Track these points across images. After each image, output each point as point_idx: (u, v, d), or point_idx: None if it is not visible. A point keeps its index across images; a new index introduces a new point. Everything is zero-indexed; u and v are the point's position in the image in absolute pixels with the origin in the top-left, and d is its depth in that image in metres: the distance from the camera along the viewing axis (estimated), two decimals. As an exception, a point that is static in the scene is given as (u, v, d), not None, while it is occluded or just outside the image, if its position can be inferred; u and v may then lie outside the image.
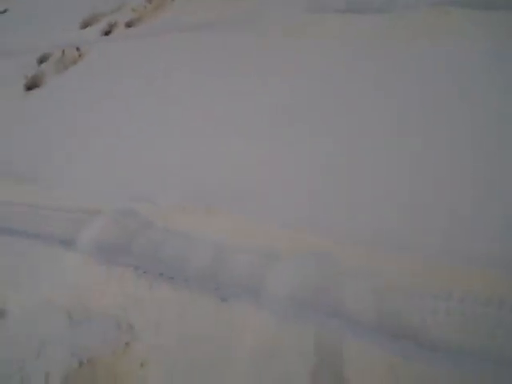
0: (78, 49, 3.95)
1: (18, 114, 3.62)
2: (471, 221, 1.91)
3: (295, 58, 3.12)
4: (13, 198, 2.83)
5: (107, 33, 4.06)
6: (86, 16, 4.40)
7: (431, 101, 2.49)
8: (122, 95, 3.33)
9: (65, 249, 2.31)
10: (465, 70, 2.60)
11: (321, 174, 2.29)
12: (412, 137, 2.34)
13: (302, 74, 2.96)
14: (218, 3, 3.89)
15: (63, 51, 4.01)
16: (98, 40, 4.05)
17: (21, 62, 4.16)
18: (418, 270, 1.81)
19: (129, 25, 3.99)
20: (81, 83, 3.65)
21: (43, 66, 4.03)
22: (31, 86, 3.87)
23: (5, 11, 5.63)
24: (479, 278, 1.72)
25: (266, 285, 1.92)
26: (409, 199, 2.06)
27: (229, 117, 2.83)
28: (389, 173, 2.20)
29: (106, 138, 3.02)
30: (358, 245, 1.95)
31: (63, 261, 2.24)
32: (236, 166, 2.48)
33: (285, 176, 2.34)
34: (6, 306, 2.18)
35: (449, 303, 1.69)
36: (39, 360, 1.87)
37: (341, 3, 3.41)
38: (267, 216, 2.17)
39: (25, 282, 2.23)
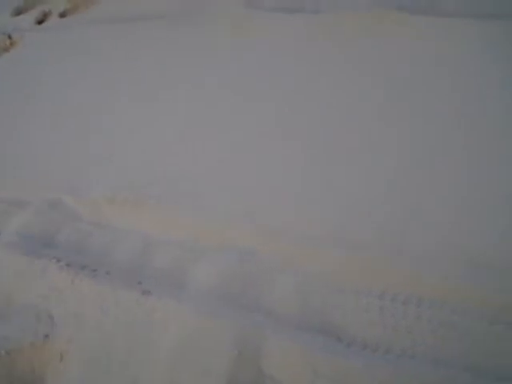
0: (9, 36, 3.86)
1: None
2: (405, 215, 1.98)
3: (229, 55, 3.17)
4: None
5: (40, 22, 3.98)
6: (18, 3, 4.28)
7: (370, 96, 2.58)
8: (53, 84, 3.29)
9: None
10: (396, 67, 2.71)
11: (256, 170, 2.33)
12: (349, 132, 2.40)
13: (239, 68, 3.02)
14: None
15: (-5, 38, 3.91)
16: (30, 28, 3.96)
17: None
18: (340, 266, 1.86)
19: (62, 15, 3.92)
20: (12, 71, 3.57)
21: (-28, 52, 3.91)
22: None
23: None
24: (401, 276, 1.78)
25: (188, 279, 1.95)
26: (338, 195, 2.12)
27: (166, 107, 2.84)
28: (322, 168, 2.25)
29: (36, 128, 2.98)
30: (283, 241, 1.99)
31: None
32: (170, 158, 2.49)
33: (220, 170, 2.36)
34: None
35: (368, 299, 1.74)
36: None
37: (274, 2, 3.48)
38: (198, 210, 2.18)
39: None
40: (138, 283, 1.94)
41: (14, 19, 4.15)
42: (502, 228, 1.86)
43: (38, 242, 2.24)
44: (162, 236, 2.15)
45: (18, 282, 2.06)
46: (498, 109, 2.34)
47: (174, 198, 2.26)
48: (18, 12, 4.20)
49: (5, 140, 2.96)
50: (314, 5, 3.40)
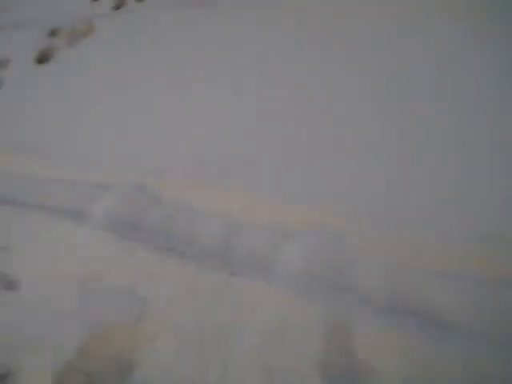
0: (89, 22, 3.90)
1: (30, 88, 3.61)
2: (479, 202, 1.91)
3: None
4: (26, 172, 2.86)
5: (118, 7, 4.00)
6: (98, -11, 4.32)
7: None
8: (133, 70, 3.31)
9: (77, 222, 2.34)
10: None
11: (335, 153, 2.28)
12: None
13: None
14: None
15: (74, 24, 3.97)
16: (109, 13, 3.99)
17: (31, 34, 4.12)
18: (430, 249, 1.82)
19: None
20: (92, 57, 3.62)
21: (54, 39, 3.99)
22: (42, 59, 3.84)
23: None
24: (490, 259, 1.74)
25: (277, 261, 1.93)
26: (421, 181, 2.06)
27: (240, 93, 2.80)
28: (402, 154, 2.19)
29: (118, 113, 3.01)
30: (371, 224, 1.96)
31: (75, 234, 2.28)
32: (249, 142, 2.47)
33: (299, 153, 2.33)
34: (18, 278, 2.21)
35: (460, 283, 1.70)
36: (52, 332, 1.90)
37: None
38: (280, 193, 2.16)
39: (37, 254, 2.27)
40: (225, 265, 1.95)
41: (92, 4, 4.20)
42: None
43: (125, 224, 2.27)
44: (248, 219, 2.14)
45: (109, 263, 2.10)
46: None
47: (257, 183, 2.25)
48: (97, -3, 4.25)
49: (90, 125, 3.01)
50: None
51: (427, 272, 1.76)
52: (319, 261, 1.89)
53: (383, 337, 1.58)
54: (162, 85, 3.08)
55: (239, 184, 2.26)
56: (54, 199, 2.60)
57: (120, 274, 2.05)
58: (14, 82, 3.78)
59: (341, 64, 2.70)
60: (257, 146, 2.44)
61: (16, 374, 1.81)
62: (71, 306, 1.99)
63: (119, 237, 2.18)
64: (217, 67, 3.02)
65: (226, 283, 1.86)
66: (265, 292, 1.79)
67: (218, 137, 2.57)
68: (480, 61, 2.39)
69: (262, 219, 2.11)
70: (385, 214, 1.97)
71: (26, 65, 3.82)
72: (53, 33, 4.03)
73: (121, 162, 2.64)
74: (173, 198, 2.35)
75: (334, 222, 2.00)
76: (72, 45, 3.82)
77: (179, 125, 2.75)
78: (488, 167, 2.02)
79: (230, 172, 2.33)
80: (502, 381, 1.46)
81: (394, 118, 2.33)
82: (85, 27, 3.88)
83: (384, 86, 2.46)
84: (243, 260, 1.99)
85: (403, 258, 1.82)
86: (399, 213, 1.96)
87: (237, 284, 1.85)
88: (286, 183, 2.21)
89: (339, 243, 1.93)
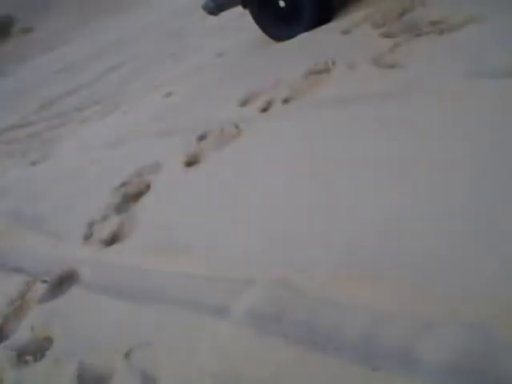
0: (236, 126, 4.04)
1: (178, 190, 3.74)
2: None
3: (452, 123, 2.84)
4: (170, 268, 2.93)
5: (264, 110, 4.12)
6: (244, 94, 4.53)
7: None
8: (278, 171, 3.28)
9: (219, 318, 2.33)
10: None
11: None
12: None
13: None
14: (375, 74, 3.77)
15: (222, 128, 4.12)
16: (255, 117, 4.11)
17: (182, 139, 4.37)
18: None
19: (286, 101, 4.01)
20: (239, 159, 3.69)
21: (202, 143, 4.16)
22: (191, 162, 4.00)
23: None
24: None
25: (419, 354, 1.76)
26: None
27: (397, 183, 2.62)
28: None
29: (262, 208, 3.00)
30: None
31: (216, 329, 2.27)
32: (398, 229, 2.31)
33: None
34: (159, 373, 2.21)
35: None
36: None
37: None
38: (420, 282, 2.02)
39: (178, 349, 2.28)
40: (367, 359, 1.83)
41: (239, 109, 4.38)
42: None
43: (266, 319, 2.22)
44: (390, 310, 1.99)
45: (248, 358, 2.06)
46: None
47: (398, 271, 2.11)
48: (245, 103, 4.43)
49: (235, 222, 3.02)
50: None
51: None
52: (463, 354, 1.69)
53: None
54: (308, 182, 3.02)
55: (382, 274, 2.14)
56: (196, 294, 2.61)
57: (259, 368, 2.00)
58: (162, 184, 3.95)
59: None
60: (410, 233, 2.26)
61: None
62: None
63: (260, 331, 2.15)
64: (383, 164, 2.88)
65: (367, 378, 1.75)
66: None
67: (360, 225, 2.45)
68: None
69: (403, 309, 1.96)
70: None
71: (176, 168, 3.99)
72: (201, 137, 4.22)
73: (263, 256, 2.61)
74: (315, 292, 2.25)
75: (477, 314, 1.79)
76: (220, 148, 3.94)
77: (321, 217, 2.65)
78: None
79: (375, 262, 2.21)
80: None
81: None
82: (232, 131, 4.02)
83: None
84: (385, 353, 1.83)
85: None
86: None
87: (379, 379, 1.73)
88: (425, 272, 2.05)
89: (483, 336, 1.71)
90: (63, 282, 3.34)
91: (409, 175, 2.62)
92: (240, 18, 7.43)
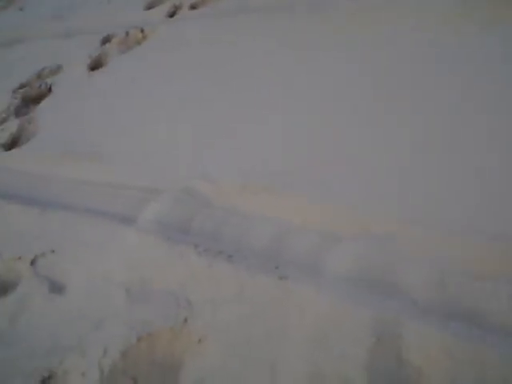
0: (141, 30, 3.94)
1: (82, 93, 3.63)
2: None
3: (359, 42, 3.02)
4: (76, 175, 2.85)
5: (171, 14, 4.03)
6: (150, -2, 4.38)
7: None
8: (184, 74, 3.30)
9: (126, 226, 2.32)
10: None
11: (384, 156, 2.24)
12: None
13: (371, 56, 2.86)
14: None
15: (127, 32, 4.01)
16: (161, 21, 4.02)
17: (84, 42, 4.19)
18: (481, 253, 1.75)
19: (193, 7, 3.95)
20: (144, 63, 3.63)
21: (106, 46, 4.04)
22: (95, 66, 3.89)
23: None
24: None
25: (326, 265, 1.90)
26: (472, 182, 1.99)
27: (300, 96, 2.76)
28: (452, 159, 2.13)
29: (168, 116, 3.00)
30: (420, 228, 1.90)
31: (124, 238, 2.25)
32: (299, 146, 2.43)
33: (350, 157, 2.28)
34: (65, 281, 2.19)
35: (508, 286, 1.63)
36: (98, 335, 1.87)
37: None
38: (330, 197, 2.12)
39: (85, 257, 2.25)
40: (274, 268, 1.92)
41: (146, 13, 4.25)
42: None
43: (174, 228, 2.24)
44: (297, 223, 2.10)
45: (156, 267, 2.07)
46: None
47: (307, 186, 2.21)
48: (150, 6, 4.30)
49: (141, 129, 3.00)
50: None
51: (478, 275, 1.70)
52: (369, 265, 1.85)
53: (432, 340, 1.53)
54: (216, 89, 3.06)
55: (289, 188, 2.22)
56: (103, 203, 2.58)
57: (167, 276, 2.02)
58: (67, 87, 3.81)
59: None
60: (309, 150, 2.39)
61: (60, 376, 1.77)
62: (117, 308, 1.96)
63: (168, 240, 2.15)
64: (284, 73, 2.97)
65: (274, 286, 1.84)
66: (313, 296, 1.76)
67: (269, 140, 2.53)
68: None
69: (312, 223, 2.07)
70: (436, 218, 1.91)
71: (79, 71, 3.87)
72: (105, 41, 4.09)
73: (171, 166, 2.61)
74: (222, 202, 2.31)
75: (383, 226, 1.95)
76: (124, 52, 3.85)
77: (229, 129, 2.71)
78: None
79: (281, 175, 2.29)
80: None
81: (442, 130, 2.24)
82: (137, 35, 3.92)
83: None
84: (292, 263, 1.95)
85: (454, 261, 1.76)
86: (450, 216, 1.90)
87: (286, 287, 1.82)
88: (337, 187, 2.17)
89: (390, 247, 1.88)
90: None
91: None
92: None
